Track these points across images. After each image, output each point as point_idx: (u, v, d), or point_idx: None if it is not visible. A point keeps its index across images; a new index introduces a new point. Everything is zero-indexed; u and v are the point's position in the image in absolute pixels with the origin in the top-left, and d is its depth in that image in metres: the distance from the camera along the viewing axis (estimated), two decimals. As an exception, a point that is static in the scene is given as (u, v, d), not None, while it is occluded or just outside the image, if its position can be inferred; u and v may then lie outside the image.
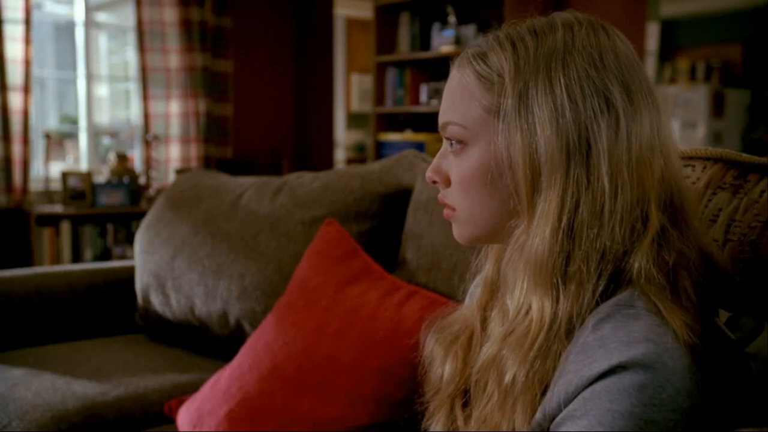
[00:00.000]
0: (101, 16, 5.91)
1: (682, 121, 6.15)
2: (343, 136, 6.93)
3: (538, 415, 0.73)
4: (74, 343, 1.89)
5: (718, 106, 6.34)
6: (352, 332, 1.28)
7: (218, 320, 1.74)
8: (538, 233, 0.75)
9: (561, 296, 0.74)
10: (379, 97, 4.39)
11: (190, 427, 1.38)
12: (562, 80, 0.75)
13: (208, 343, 1.80)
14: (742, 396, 0.73)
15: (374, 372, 1.23)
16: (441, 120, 0.84)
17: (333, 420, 1.24)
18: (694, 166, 0.96)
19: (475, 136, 0.80)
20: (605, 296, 0.74)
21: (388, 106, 4.35)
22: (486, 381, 0.81)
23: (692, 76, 6.77)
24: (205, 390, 1.42)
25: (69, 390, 1.53)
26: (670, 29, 6.52)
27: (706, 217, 0.91)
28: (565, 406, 0.69)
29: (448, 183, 0.85)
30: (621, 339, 0.69)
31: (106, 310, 2.05)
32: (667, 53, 6.72)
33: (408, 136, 4.23)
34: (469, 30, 3.85)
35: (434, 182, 0.87)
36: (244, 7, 4.92)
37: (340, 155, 6.48)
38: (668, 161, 0.77)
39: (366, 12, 4.39)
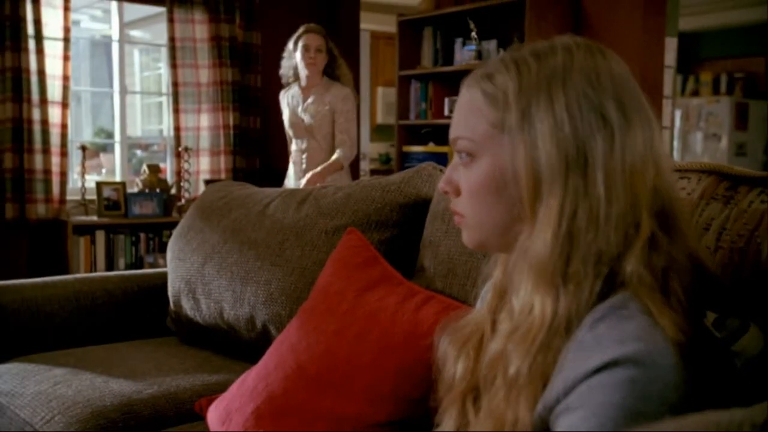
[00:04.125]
0: (135, 33, 6.08)
1: (706, 133, 6.15)
2: (368, 147, 7.02)
3: (539, 406, 0.79)
4: (110, 345, 1.99)
5: (741, 118, 6.33)
6: (371, 334, 1.36)
7: (245, 324, 1.83)
8: (540, 237, 0.82)
9: (561, 295, 0.80)
10: (402, 110, 4.47)
11: (219, 424, 1.46)
12: (561, 98, 0.82)
13: (236, 345, 1.88)
14: (728, 390, 0.79)
15: (392, 372, 1.31)
16: (452, 135, 0.92)
17: (353, 417, 1.31)
18: (689, 178, 1.03)
19: (482, 149, 0.87)
20: (602, 296, 0.80)
21: (412, 119, 4.43)
22: (494, 375, 0.87)
23: (715, 88, 6.76)
24: (233, 389, 1.50)
25: (107, 388, 1.62)
26: (692, 42, 6.53)
27: (701, 225, 0.97)
28: (564, 399, 0.76)
29: (458, 192, 0.92)
30: (615, 337, 0.75)
31: (140, 314, 2.15)
32: (689, 66, 6.73)
33: (431, 148, 4.30)
34: (491, 45, 3.92)
35: (446, 192, 0.94)
36: (272, 22, 5.04)
37: (366, 166, 6.57)
38: (660, 172, 0.84)
39: (391, 26, 4.47)
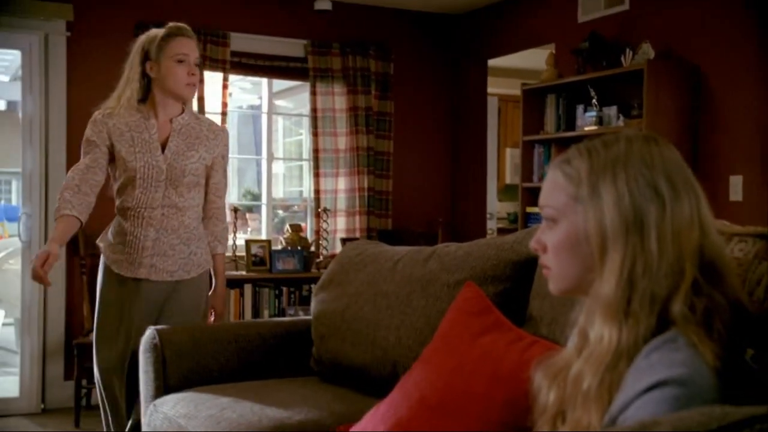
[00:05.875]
0: (280, 102, 6.66)
1: None
2: (497, 206, 7.25)
3: (606, 418, 1.02)
4: (263, 381, 2.33)
5: None
6: (484, 371, 1.60)
7: (378, 364, 2.11)
8: (607, 283, 1.06)
9: (624, 328, 1.04)
10: (526, 173, 4.70)
11: (356, 445, 1.74)
12: (623, 176, 1.08)
13: (370, 383, 2.17)
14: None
15: (501, 403, 1.54)
16: (539, 204, 1.18)
17: (467, 441, 1.55)
18: (746, 241, 1.23)
19: (562, 215, 1.13)
20: (657, 331, 1.02)
21: (535, 182, 4.65)
22: (576, 393, 1.11)
23: None
24: (367, 416, 1.78)
25: (263, 413, 1.95)
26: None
27: (753, 280, 1.17)
28: (624, 412, 0.98)
29: (545, 250, 1.18)
30: (664, 364, 0.98)
31: (288, 355, 2.48)
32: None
33: (554, 208, 4.48)
34: (611, 111, 4.09)
35: (536, 249, 1.20)
36: (404, 91, 5.44)
37: (494, 225, 6.79)
38: (706, 232, 1.07)
39: (519, 90, 4.73)
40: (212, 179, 2.66)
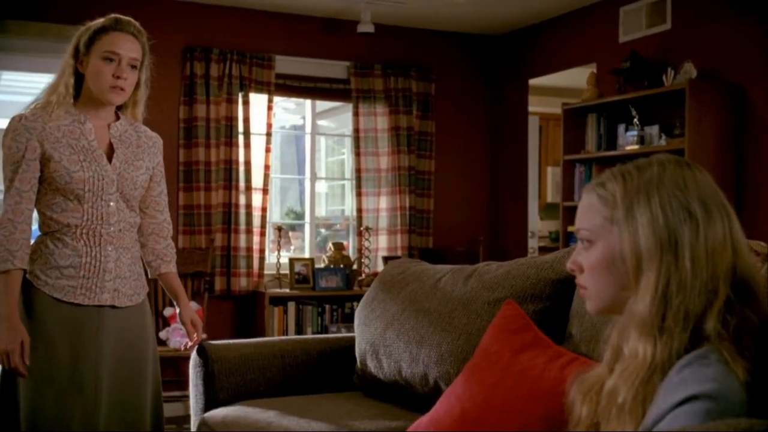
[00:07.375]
0: (322, 122, 6.77)
1: None
2: (538, 225, 7.24)
3: (639, 429, 1.06)
4: (307, 396, 2.39)
5: None
6: (523, 387, 1.64)
7: (420, 380, 2.16)
8: (642, 300, 1.11)
9: (658, 343, 1.08)
10: (567, 192, 4.71)
11: (398, 458, 1.79)
12: (656, 198, 1.12)
13: (412, 399, 2.21)
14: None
15: (539, 419, 1.58)
16: (575, 227, 1.23)
17: (507, 455, 1.59)
18: (781, 260, 1.25)
19: (598, 237, 1.18)
20: (691, 346, 1.06)
21: (576, 201, 4.66)
22: (610, 408, 1.15)
23: None
24: (411, 429, 1.83)
25: (309, 427, 2.01)
26: None
27: (787, 297, 1.19)
28: (656, 423, 1.02)
29: (581, 270, 1.22)
30: (696, 379, 1.01)
31: (331, 371, 2.54)
32: None
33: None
34: (653, 130, 4.09)
35: (572, 270, 1.24)
36: (445, 111, 5.51)
37: (535, 244, 6.78)
38: (739, 253, 1.10)
39: (560, 108, 4.75)
40: (152, 192, 2.34)
